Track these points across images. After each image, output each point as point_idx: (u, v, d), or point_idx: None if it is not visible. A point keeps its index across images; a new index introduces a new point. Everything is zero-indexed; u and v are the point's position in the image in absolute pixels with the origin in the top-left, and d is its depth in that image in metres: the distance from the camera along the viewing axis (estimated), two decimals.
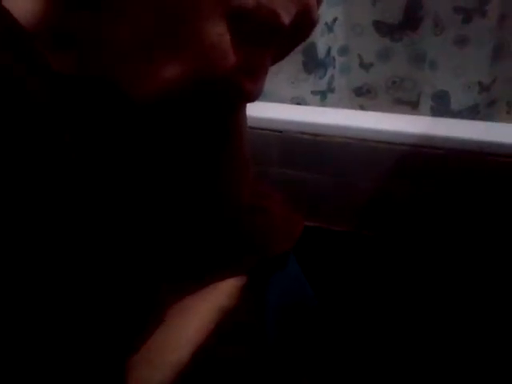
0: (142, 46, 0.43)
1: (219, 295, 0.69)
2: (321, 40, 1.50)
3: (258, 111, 1.57)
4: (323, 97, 1.62)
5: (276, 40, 0.48)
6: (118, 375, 0.58)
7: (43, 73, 0.45)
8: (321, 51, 1.53)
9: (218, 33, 0.43)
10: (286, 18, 0.45)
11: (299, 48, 0.57)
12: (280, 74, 1.57)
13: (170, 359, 0.62)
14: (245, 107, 0.63)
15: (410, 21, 1.41)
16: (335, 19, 1.50)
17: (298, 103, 1.66)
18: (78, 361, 0.55)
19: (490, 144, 1.37)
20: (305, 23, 0.49)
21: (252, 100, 0.51)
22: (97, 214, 0.54)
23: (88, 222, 0.53)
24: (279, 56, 0.53)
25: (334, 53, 1.57)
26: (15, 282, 0.49)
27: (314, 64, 1.55)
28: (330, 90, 1.62)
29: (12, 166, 0.45)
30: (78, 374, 0.55)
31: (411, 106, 1.56)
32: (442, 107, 1.47)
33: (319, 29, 1.47)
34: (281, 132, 1.58)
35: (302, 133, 1.57)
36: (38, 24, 0.44)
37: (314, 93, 1.62)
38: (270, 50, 0.49)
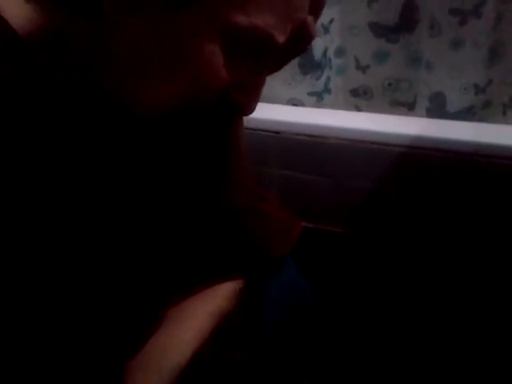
0: (139, 61, 0.44)
1: (217, 298, 0.69)
2: (317, 41, 1.50)
3: (255, 112, 1.56)
4: (319, 98, 1.63)
5: (270, 57, 0.48)
6: (116, 378, 0.59)
7: (41, 81, 0.46)
8: (317, 52, 1.53)
9: (212, 52, 0.44)
10: (281, 37, 0.46)
11: None
12: (276, 76, 1.57)
13: (169, 362, 0.62)
14: (242, 119, 0.64)
15: (406, 22, 1.41)
16: (331, 20, 1.50)
17: (295, 104, 1.67)
18: (77, 363, 0.56)
19: (486, 146, 1.38)
20: (302, 38, 0.50)
21: (247, 114, 0.51)
22: (97, 217, 0.54)
23: (88, 224, 0.53)
24: (276, 67, 0.53)
25: (330, 54, 1.57)
26: (16, 286, 0.49)
27: (310, 65, 1.55)
28: (327, 91, 1.62)
29: (13, 173, 0.46)
30: (77, 377, 0.56)
31: (407, 107, 1.56)
32: (437, 109, 1.48)
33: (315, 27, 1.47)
34: (278, 133, 1.59)
35: (299, 134, 1.57)
36: (36, 32, 0.44)
37: (310, 94, 1.62)
38: (265, 66, 0.49)
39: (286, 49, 0.50)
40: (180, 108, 0.47)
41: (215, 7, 0.42)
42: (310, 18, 0.51)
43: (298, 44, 0.52)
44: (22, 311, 0.50)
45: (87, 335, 0.56)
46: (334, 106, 1.64)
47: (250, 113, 0.53)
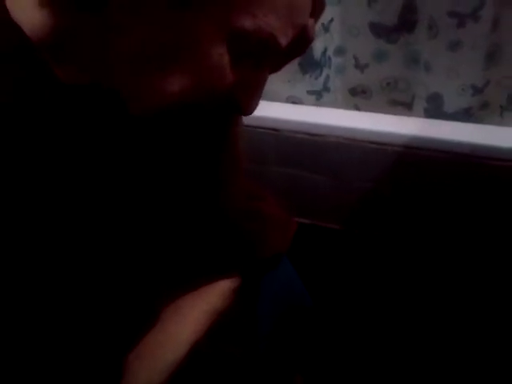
0: (145, 60, 0.45)
1: (213, 296, 0.70)
2: (317, 40, 1.51)
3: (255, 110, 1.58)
4: (319, 96, 1.64)
5: (273, 59, 0.50)
6: (115, 372, 0.60)
7: (49, 83, 0.47)
8: (317, 51, 1.54)
9: (218, 53, 0.45)
10: (284, 40, 0.47)
11: None
12: (276, 74, 1.58)
13: (166, 356, 0.64)
14: (241, 119, 0.65)
15: (406, 23, 1.42)
16: (331, 20, 1.51)
17: (294, 102, 1.68)
18: (76, 358, 0.57)
19: (483, 147, 1.39)
20: (302, 41, 0.51)
21: (248, 113, 0.53)
22: (97, 216, 0.55)
23: (88, 223, 0.54)
24: (276, 68, 0.55)
25: (329, 53, 1.58)
26: (15, 282, 0.50)
27: (309, 64, 1.56)
28: (326, 89, 1.63)
29: (16, 172, 0.47)
30: (76, 371, 0.57)
31: (405, 107, 1.57)
32: (435, 109, 1.49)
33: (315, 29, 1.47)
34: (277, 131, 1.60)
35: (298, 132, 1.58)
36: (45, 36, 0.45)
37: (309, 92, 1.64)
38: (267, 67, 0.50)
39: (287, 51, 0.51)
40: (182, 106, 0.48)
41: (224, 10, 0.43)
42: (310, 22, 0.52)
43: (298, 46, 0.53)
44: (21, 305, 0.51)
45: (87, 330, 0.58)
46: (333, 104, 1.65)
47: (251, 112, 0.55)
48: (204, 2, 0.42)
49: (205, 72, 0.46)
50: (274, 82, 1.63)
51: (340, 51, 1.58)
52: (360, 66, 1.57)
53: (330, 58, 1.59)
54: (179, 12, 0.42)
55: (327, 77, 1.61)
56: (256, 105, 0.54)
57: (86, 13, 0.43)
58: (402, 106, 1.58)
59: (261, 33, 0.45)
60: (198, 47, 0.45)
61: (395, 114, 1.57)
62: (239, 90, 0.50)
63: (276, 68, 0.55)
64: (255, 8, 0.44)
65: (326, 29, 1.51)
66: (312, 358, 1.00)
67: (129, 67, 0.45)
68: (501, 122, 1.47)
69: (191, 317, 0.67)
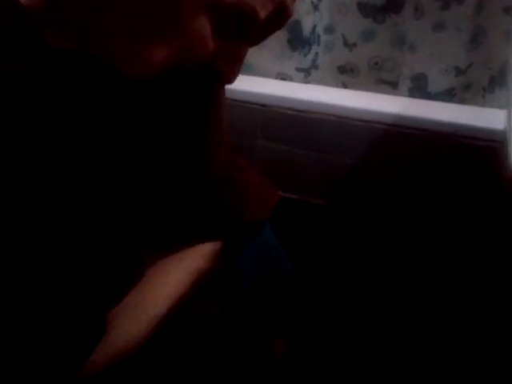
0: (133, 30, 0.49)
1: (196, 257, 0.74)
2: (306, 18, 1.54)
3: (244, 85, 1.60)
4: (307, 74, 1.66)
5: (252, 31, 0.54)
6: (98, 325, 0.64)
7: (40, 48, 0.50)
8: (306, 29, 1.56)
9: (201, 23, 0.49)
10: (263, 13, 0.52)
11: (285, 26, 0.63)
12: (266, 50, 1.61)
13: (148, 312, 0.68)
14: (223, 89, 0.69)
15: (393, 4, 1.45)
16: None
17: (283, 79, 1.70)
18: (61, 311, 0.61)
19: (465, 127, 1.42)
20: (280, 17, 0.55)
21: (229, 82, 0.57)
22: (84, 176, 0.59)
23: (75, 181, 0.58)
24: (257, 40, 0.59)
25: (319, 31, 1.60)
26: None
27: (299, 41, 1.59)
28: (314, 67, 1.66)
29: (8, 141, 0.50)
30: (61, 324, 0.61)
31: (391, 86, 1.60)
32: (419, 89, 1.52)
33: (305, 7, 1.50)
34: (264, 106, 1.63)
35: (286, 108, 1.61)
36: (39, 4, 0.49)
37: (298, 69, 1.66)
38: (247, 38, 0.55)
39: (266, 25, 0.55)
40: (168, 71, 0.52)
41: None
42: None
43: (277, 21, 0.57)
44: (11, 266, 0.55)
45: (73, 285, 0.61)
46: (322, 81, 1.68)
47: (231, 82, 0.59)
48: None
49: (188, 41, 0.50)
50: (263, 58, 1.65)
51: (329, 29, 1.61)
52: (348, 45, 1.60)
53: (319, 36, 1.61)
54: None
55: (316, 54, 1.64)
56: (237, 74, 0.58)
57: None
58: (388, 85, 1.61)
59: (241, 5, 0.49)
60: (182, 18, 0.48)
61: (382, 92, 1.60)
62: (221, 59, 0.54)
63: (256, 41, 0.59)
64: None
65: (316, 7, 1.54)
66: (293, 323, 1.04)
67: (117, 37, 0.49)
68: (483, 103, 1.51)
69: (174, 275, 0.71)
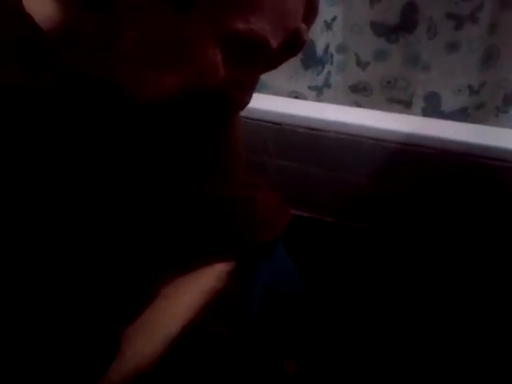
0: (145, 56, 0.49)
1: (209, 278, 0.75)
2: (319, 37, 1.54)
3: (257, 103, 1.61)
4: (320, 92, 1.67)
5: (264, 59, 0.54)
6: (113, 343, 0.64)
7: (56, 70, 0.51)
8: (319, 48, 1.57)
9: (211, 51, 0.50)
10: (274, 42, 0.52)
11: None
12: (279, 69, 1.61)
13: (162, 332, 0.68)
14: (238, 116, 0.69)
15: (406, 23, 1.45)
16: (334, 18, 1.54)
17: (296, 97, 1.71)
18: (76, 330, 0.61)
19: (478, 146, 1.41)
20: (295, 44, 0.56)
21: (240, 109, 0.58)
22: (95, 202, 0.59)
23: (86, 209, 0.58)
24: (271, 67, 0.59)
25: (332, 50, 1.61)
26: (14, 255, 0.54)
27: (312, 60, 1.59)
28: (327, 85, 1.66)
29: (16, 161, 0.51)
30: (76, 343, 0.61)
31: (404, 105, 1.60)
32: (433, 108, 1.52)
33: (318, 26, 1.51)
34: (279, 124, 1.63)
35: (299, 126, 1.61)
36: (55, 26, 0.50)
37: (311, 88, 1.67)
38: (258, 67, 0.55)
39: (279, 52, 0.56)
40: (179, 98, 0.53)
41: (222, 14, 0.48)
42: (302, 26, 0.57)
43: (292, 48, 0.58)
44: (22, 281, 0.55)
45: (88, 306, 0.62)
46: (334, 100, 1.68)
47: (243, 107, 0.59)
48: (205, 5, 0.47)
49: (199, 68, 0.51)
50: (277, 77, 1.66)
51: (342, 48, 1.61)
52: (361, 64, 1.60)
53: (332, 55, 1.62)
54: (182, 13, 0.47)
55: (329, 73, 1.64)
56: (249, 100, 0.58)
57: (93, 9, 0.47)
58: (401, 104, 1.61)
59: (252, 34, 0.50)
60: (193, 46, 0.49)
61: (394, 111, 1.59)
62: (232, 86, 0.55)
63: (269, 67, 0.60)
64: (249, 13, 0.49)
65: (329, 26, 1.55)
66: (304, 344, 1.03)
67: (130, 63, 0.50)
68: (496, 122, 1.50)
69: (187, 295, 0.72)
